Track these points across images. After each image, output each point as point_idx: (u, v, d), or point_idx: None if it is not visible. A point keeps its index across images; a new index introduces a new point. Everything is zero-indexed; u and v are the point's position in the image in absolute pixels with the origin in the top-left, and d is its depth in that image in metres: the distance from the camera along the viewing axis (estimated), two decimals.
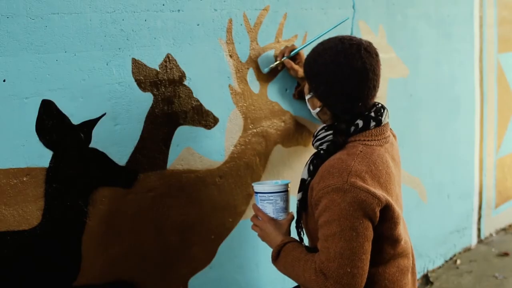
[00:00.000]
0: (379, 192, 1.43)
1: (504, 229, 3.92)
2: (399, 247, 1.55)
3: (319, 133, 1.60)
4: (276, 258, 1.58)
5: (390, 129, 1.64)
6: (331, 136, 1.55)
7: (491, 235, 3.80)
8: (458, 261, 3.39)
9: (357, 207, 1.39)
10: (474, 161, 3.50)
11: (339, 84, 1.49)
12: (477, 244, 3.65)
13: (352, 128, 1.52)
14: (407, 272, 1.58)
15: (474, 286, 3.11)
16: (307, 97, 1.63)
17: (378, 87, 1.54)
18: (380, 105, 1.59)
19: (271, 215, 1.65)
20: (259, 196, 1.67)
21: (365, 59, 1.48)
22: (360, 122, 1.52)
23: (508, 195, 3.95)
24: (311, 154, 1.63)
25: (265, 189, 1.66)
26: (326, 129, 1.58)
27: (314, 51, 1.57)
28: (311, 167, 1.55)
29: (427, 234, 3.17)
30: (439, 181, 3.20)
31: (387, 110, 1.60)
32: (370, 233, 1.41)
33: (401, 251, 1.56)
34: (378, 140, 1.53)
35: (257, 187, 1.68)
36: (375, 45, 1.55)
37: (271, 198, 1.65)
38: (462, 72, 3.27)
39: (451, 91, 3.21)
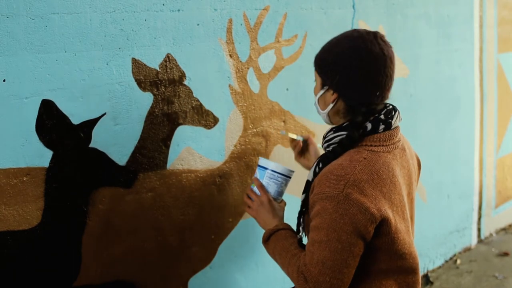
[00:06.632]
0: (375, 206, 1.37)
1: (504, 229, 3.92)
2: (401, 262, 1.49)
3: (328, 134, 1.55)
4: (266, 240, 1.58)
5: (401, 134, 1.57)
6: (338, 138, 1.49)
7: (491, 235, 3.80)
8: (458, 261, 3.39)
9: (348, 221, 1.35)
10: (474, 161, 3.50)
11: (357, 70, 1.43)
12: (477, 244, 3.65)
13: (360, 131, 1.46)
14: None
15: (474, 286, 3.11)
16: (318, 95, 1.55)
17: (393, 79, 1.50)
18: (391, 106, 1.53)
19: (271, 195, 1.64)
20: (268, 172, 1.64)
21: (383, 46, 1.45)
22: (368, 125, 1.46)
23: (508, 195, 3.95)
24: None
25: (278, 168, 1.63)
26: (334, 130, 1.52)
27: (328, 43, 1.52)
28: (317, 169, 1.51)
29: (427, 234, 3.17)
30: (439, 181, 3.20)
31: (398, 112, 1.53)
32: (357, 249, 1.37)
33: (404, 267, 1.49)
34: (386, 145, 1.47)
35: (267, 162, 1.65)
36: None
37: (278, 178, 1.63)
38: (462, 72, 3.27)
39: (451, 91, 3.21)
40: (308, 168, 1.86)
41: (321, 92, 1.53)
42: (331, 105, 1.52)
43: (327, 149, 1.54)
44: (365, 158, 1.43)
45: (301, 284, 1.40)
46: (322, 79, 1.52)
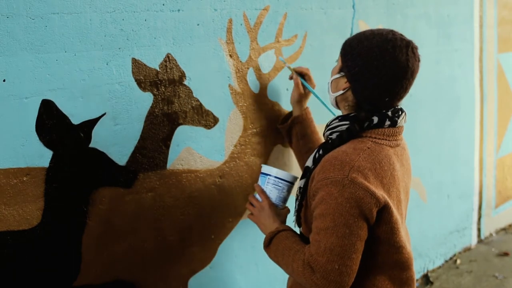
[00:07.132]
0: (379, 192, 1.39)
1: (504, 229, 3.92)
2: (397, 256, 1.50)
3: (332, 122, 1.56)
4: (267, 245, 1.57)
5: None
6: (343, 126, 1.51)
7: (491, 235, 3.80)
8: (458, 261, 3.39)
9: (354, 204, 1.36)
10: (474, 161, 3.51)
11: (377, 71, 1.45)
12: (477, 244, 3.65)
13: (366, 123, 1.49)
14: (401, 286, 1.53)
15: (474, 286, 3.11)
16: (333, 77, 1.58)
17: (408, 92, 1.51)
18: (399, 107, 1.55)
19: (273, 201, 1.64)
20: (269, 178, 1.65)
21: (410, 58, 1.46)
22: (375, 119, 1.48)
23: (508, 195, 3.96)
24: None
25: (279, 174, 1.64)
26: (340, 119, 1.54)
27: (362, 33, 1.52)
28: (317, 155, 1.52)
29: (427, 234, 3.17)
30: (439, 181, 3.20)
31: (405, 114, 1.55)
32: (364, 233, 1.38)
33: (399, 261, 1.50)
34: (389, 140, 1.50)
35: (269, 169, 1.66)
36: None
37: (280, 184, 1.64)
38: (462, 72, 3.27)
39: (451, 91, 3.21)
40: (292, 102, 2.05)
41: (337, 75, 1.56)
42: (341, 91, 1.54)
43: (330, 136, 1.56)
44: (369, 148, 1.45)
45: (308, 276, 1.37)
46: (342, 64, 1.54)
